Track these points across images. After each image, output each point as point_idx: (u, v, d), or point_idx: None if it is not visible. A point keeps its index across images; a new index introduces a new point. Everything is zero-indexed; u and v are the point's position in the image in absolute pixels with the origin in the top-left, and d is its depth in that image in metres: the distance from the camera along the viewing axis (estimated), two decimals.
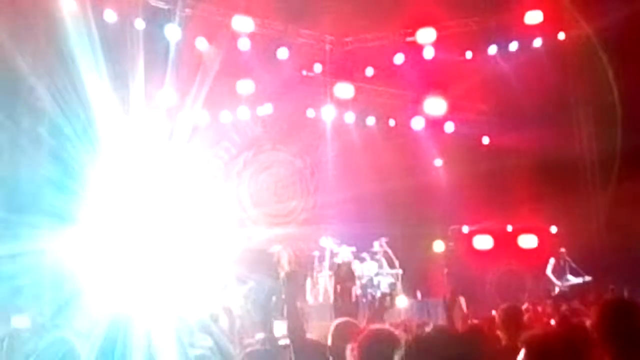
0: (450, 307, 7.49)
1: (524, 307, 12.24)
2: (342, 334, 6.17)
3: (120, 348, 3.23)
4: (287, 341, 7.46)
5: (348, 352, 5.50)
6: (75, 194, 14.77)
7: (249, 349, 7.11)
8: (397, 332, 5.57)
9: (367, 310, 16.85)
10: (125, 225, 15.40)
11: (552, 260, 18.00)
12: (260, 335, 12.47)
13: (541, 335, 4.30)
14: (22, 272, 13.44)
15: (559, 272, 17.81)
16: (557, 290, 17.57)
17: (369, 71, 19.71)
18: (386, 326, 6.27)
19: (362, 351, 5.03)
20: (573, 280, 17.55)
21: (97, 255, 14.42)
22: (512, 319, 7.23)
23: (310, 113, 19.87)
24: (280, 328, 15.28)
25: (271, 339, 9.73)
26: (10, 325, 11.81)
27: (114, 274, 13.96)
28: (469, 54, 19.46)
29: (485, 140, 20.85)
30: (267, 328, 16.19)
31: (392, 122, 20.85)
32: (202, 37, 17.67)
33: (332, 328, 6.39)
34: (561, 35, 18.99)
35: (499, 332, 7.23)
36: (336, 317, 14.71)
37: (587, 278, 17.31)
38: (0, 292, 13.22)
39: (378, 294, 17.71)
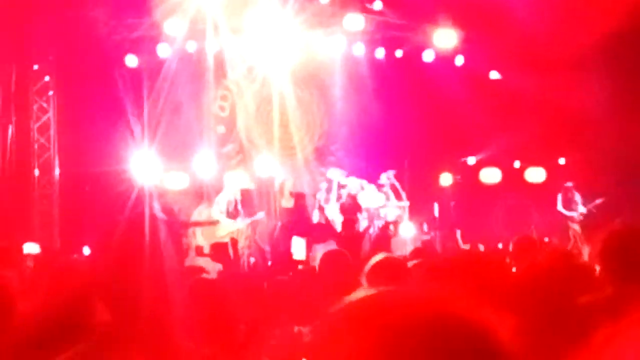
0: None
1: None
2: (330, 263, 6.24)
3: None
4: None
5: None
6: None
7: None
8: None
9: (372, 241, 16.92)
10: None
11: (559, 196, 18.12)
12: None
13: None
14: None
15: (569, 205, 17.98)
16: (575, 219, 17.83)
17: (379, 2, 19.45)
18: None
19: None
20: (583, 209, 17.80)
21: None
22: (526, 249, 7.26)
23: (319, 44, 19.66)
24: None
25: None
26: None
27: None
28: None
29: (495, 74, 20.66)
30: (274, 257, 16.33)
31: (401, 54, 20.65)
32: None
33: (320, 256, 6.46)
34: None
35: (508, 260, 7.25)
36: (339, 247, 14.80)
37: (599, 201, 17.56)
38: None
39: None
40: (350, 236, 15.55)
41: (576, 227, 17.83)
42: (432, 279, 4.28)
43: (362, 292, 1.54)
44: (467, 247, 13.35)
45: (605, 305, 4.28)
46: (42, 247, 13.49)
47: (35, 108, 17.15)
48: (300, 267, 13.00)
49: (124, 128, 16.74)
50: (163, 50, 18.03)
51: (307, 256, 15.17)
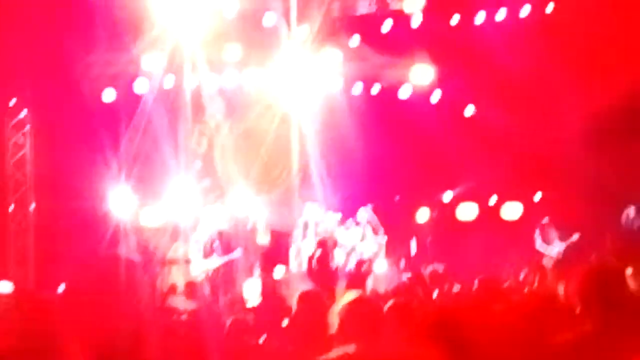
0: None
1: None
2: (306, 303, 6.20)
3: None
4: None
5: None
6: None
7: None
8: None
9: (348, 278, 16.86)
10: None
11: (537, 232, 18.18)
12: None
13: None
14: None
15: (547, 241, 18.03)
16: (552, 256, 17.83)
17: (356, 38, 19.58)
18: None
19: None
20: (561, 245, 17.84)
21: None
22: (489, 289, 7.24)
23: (297, 79, 19.71)
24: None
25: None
26: None
27: None
28: (456, 20, 19.43)
29: (471, 109, 20.78)
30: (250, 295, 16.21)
31: (378, 89, 20.74)
32: None
33: (296, 297, 6.42)
34: (549, 7, 18.98)
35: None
36: (314, 284, 14.77)
37: (575, 237, 17.60)
38: None
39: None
40: (325, 273, 15.49)
41: (550, 264, 17.85)
42: (407, 329, 4.24)
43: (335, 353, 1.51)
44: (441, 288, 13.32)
45: (585, 342, 4.28)
46: (15, 284, 13.35)
47: (11, 143, 17.04)
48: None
49: (100, 163, 16.67)
50: (140, 86, 18.02)
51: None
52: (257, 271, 18.02)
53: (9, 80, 16.83)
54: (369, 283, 16.70)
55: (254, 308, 9.80)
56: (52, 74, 16.65)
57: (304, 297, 6.61)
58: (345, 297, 5.27)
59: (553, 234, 18.17)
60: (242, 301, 14.87)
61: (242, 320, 7.22)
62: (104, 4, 16.31)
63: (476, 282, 7.86)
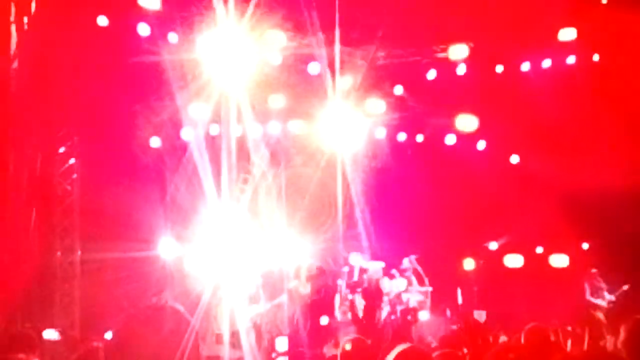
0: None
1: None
2: (351, 353, 6.16)
3: None
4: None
5: None
6: None
7: None
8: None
9: (393, 327, 16.72)
10: None
11: (586, 284, 17.97)
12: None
13: None
14: None
15: (596, 292, 17.80)
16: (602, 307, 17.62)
17: (401, 87, 19.63)
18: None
19: None
20: (611, 296, 17.62)
21: None
22: (538, 340, 7.12)
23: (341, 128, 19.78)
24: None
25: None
26: None
27: None
28: (500, 69, 19.43)
29: (516, 158, 20.67)
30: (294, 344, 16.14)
31: (422, 138, 20.75)
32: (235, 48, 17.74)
33: (340, 346, 6.38)
34: (596, 57, 18.93)
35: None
36: (360, 334, 14.65)
37: (625, 287, 17.38)
38: None
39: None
40: (372, 323, 15.39)
41: (601, 315, 17.60)
42: None
43: None
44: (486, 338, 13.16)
45: None
46: (62, 332, 13.44)
47: (59, 191, 17.24)
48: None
49: (147, 210, 16.81)
50: (186, 134, 18.19)
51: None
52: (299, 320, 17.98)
53: (57, 128, 17.08)
54: (414, 332, 16.55)
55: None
56: (100, 122, 16.89)
57: (350, 344, 6.58)
58: (397, 349, 5.24)
59: (602, 285, 17.94)
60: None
61: None
62: (153, 55, 16.58)
63: (523, 333, 7.73)
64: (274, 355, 14.87)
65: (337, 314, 17.88)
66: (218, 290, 17.58)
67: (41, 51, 15.96)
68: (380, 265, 17.94)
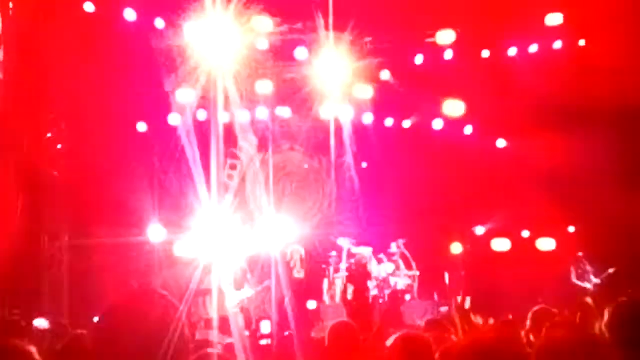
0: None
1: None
2: (338, 335, 6.21)
3: None
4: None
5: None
6: None
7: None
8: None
9: (382, 311, 16.81)
10: None
11: (572, 267, 18.06)
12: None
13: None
14: None
15: (582, 276, 17.88)
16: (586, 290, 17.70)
17: (388, 72, 19.62)
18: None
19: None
20: (597, 279, 17.69)
21: None
22: (544, 320, 7.20)
23: (328, 113, 19.80)
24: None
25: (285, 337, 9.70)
26: None
27: None
28: (487, 54, 19.47)
29: (503, 142, 20.75)
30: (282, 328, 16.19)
31: (410, 123, 20.78)
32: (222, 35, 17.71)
33: (327, 329, 6.44)
34: (582, 41, 19.00)
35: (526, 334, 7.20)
36: (350, 317, 14.74)
37: (611, 271, 17.44)
38: None
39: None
40: (362, 306, 15.47)
41: (588, 299, 17.67)
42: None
43: None
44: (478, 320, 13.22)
45: None
46: (50, 319, 13.44)
47: (46, 177, 17.21)
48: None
49: (134, 197, 16.81)
50: (174, 119, 18.17)
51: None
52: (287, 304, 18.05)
53: (44, 114, 17.04)
54: (402, 315, 16.65)
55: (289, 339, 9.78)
56: (87, 108, 16.85)
57: (336, 328, 6.64)
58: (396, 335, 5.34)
59: (587, 268, 18.02)
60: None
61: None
62: (139, 40, 16.55)
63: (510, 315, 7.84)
64: (258, 335, 14.96)
65: (325, 297, 17.98)
66: (206, 275, 17.64)
67: (27, 37, 15.91)
68: (368, 249, 18.02)
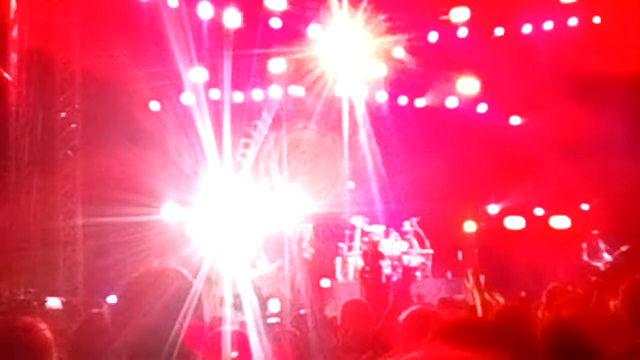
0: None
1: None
2: (351, 313, 6.23)
3: None
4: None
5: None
6: None
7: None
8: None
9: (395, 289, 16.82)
10: None
11: (584, 245, 17.96)
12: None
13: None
14: None
15: (595, 254, 17.79)
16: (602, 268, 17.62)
17: (402, 50, 19.54)
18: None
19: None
20: (610, 257, 17.60)
21: None
22: (558, 298, 7.20)
23: (342, 92, 19.77)
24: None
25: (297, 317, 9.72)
26: None
27: None
28: (501, 32, 19.38)
29: (517, 119, 20.69)
30: (295, 306, 16.21)
31: (424, 102, 20.73)
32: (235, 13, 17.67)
33: (340, 308, 6.45)
34: (597, 19, 18.89)
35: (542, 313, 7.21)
36: (365, 295, 14.77)
37: (624, 248, 17.34)
38: None
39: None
40: (374, 284, 15.48)
41: (593, 278, 17.59)
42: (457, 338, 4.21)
43: None
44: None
45: (636, 354, 4.24)
46: (65, 298, 13.53)
47: (60, 156, 17.25)
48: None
49: (148, 175, 16.85)
50: (186, 98, 18.16)
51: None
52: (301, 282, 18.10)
53: (58, 93, 17.05)
54: (414, 293, 16.65)
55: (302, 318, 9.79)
56: (101, 87, 16.86)
57: (349, 306, 6.65)
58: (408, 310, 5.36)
59: (601, 246, 17.93)
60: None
61: (289, 332, 7.27)
62: (153, 19, 16.54)
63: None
64: (267, 314, 15.00)
65: (339, 276, 18.00)
66: (220, 254, 17.69)
67: (41, 17, 15.92)
68: (381, 228, 18.02)
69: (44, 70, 16.32)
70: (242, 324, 12.18)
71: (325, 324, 7.25)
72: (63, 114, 17.45)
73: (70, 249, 17.02)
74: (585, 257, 17.96)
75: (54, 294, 14.08)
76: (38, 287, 13.61)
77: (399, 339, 5.13)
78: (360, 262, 17.18)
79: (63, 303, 12.95)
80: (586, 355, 3.84)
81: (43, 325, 3.66)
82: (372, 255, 16.69)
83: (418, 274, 17.96)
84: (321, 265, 17.89)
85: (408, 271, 17.46)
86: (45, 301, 12.15)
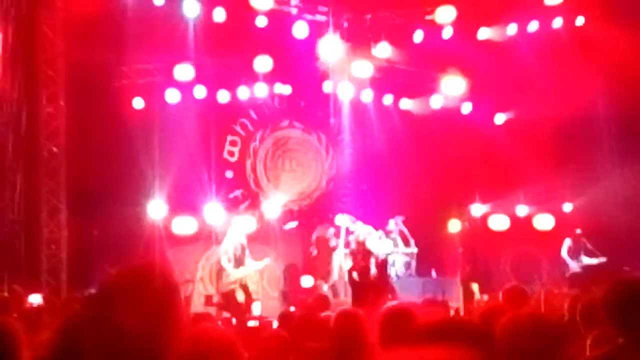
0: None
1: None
2: (344, 323, 6.19)
3: None
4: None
5: None
6: None
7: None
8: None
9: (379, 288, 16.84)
10: None
11: (567, 241, 17.90)
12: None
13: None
14: None
15: (574, 253, 17.72)
16: (570, 271, 17.51)
17: (387, 49, 19.54)
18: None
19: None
20: (587, 261, 17.47)
21: None
22: (516, 299, 7.16)
23: (328, 91, 19.77)
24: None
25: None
26: None
27: None
28: (486, 33, 19.41)
29: (501, 118, 20.76)
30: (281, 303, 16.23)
31: (409, 101, 20.76)
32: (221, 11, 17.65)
33: (334, 314, 6.41)
34: (581, 20, 18.98)
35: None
36: (353, 295, 14.81)
37: (602, 259, 17.21)
38: None
39: (393, 273, 17.75)
40: (365, 284, 15.47)
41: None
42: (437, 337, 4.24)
43: None
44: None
45: (618, 355, 4.26)
46: (47, 295, 13.50)
47: (45, 152, 17.17)
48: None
49: (133, 173, 16.83)
50: (172, 96, 18.11)
51: None
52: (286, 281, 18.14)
53: (43, 89, 16.98)
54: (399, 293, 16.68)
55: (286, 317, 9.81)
56: (85, 84, 16.80)
57: (342, 316, 6.51)
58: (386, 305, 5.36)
59: (583, 246, 17.74)
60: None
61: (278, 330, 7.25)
62: (137, 16, 16.49)
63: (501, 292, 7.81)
64: (248, 316, 15.00)
65: (325, 275, 18.03)
66: (206, 252, 17.71)
67: (25, 14, 15.86)
68: (366, 227, 18.04)
69: (28, 66, 16.24)
70: (226, 321, 12.18)
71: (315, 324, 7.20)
72: (48, 111, 17.37)
73: (54, 246, 16.94)
74: (563, 254, 17.80)
75: (38, 291, 14.02)
76: (22, 283, 13.53)
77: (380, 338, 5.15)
78: (346, 262, 17.16)
79: (45, 300, 12.92)
80: (539, 355, 3.86)
81: (17, 326, 3.68)
82: (359, 254, 16.64)
83: (403, 272, 18.01)
84: (307, 264, 17.96)
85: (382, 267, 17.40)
86: (28, 298, 12.10)
